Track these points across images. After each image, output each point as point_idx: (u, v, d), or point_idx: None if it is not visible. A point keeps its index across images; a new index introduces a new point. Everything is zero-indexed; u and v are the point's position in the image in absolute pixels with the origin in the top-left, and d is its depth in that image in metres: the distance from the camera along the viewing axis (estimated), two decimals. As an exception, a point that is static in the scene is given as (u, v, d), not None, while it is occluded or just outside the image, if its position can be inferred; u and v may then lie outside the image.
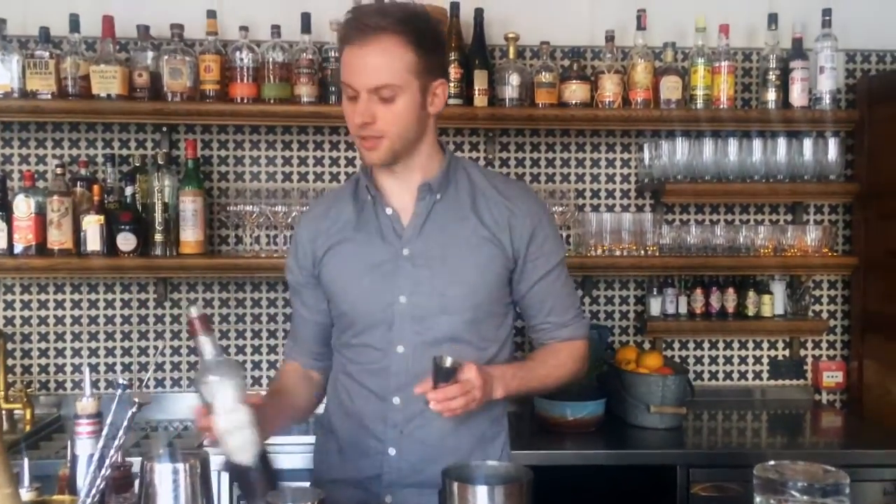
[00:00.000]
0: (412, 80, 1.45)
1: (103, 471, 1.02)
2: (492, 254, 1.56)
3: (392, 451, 1.57)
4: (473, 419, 1.56)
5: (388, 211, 1.57)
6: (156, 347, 2.80)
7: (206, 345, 1.23)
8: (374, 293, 1.55)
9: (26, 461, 1.10)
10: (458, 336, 1.55)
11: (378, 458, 1.58)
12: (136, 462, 1.09)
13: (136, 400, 1.06)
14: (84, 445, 1.07)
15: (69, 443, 1.09)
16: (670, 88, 2.70)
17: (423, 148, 1.55)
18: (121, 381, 1.08)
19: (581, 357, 1.68)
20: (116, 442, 1.05)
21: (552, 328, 1.65)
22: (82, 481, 1.05)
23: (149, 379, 1.36)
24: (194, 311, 1.24)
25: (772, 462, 1.04)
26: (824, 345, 2.98)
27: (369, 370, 1.58)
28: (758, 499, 1.02)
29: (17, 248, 2.51)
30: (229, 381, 1.23)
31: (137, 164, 2.69)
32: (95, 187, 2.56)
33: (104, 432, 1.07)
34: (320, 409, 1.77)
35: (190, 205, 2.59)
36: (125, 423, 1.05)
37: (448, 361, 1.39)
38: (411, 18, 1.46)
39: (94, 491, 1.01)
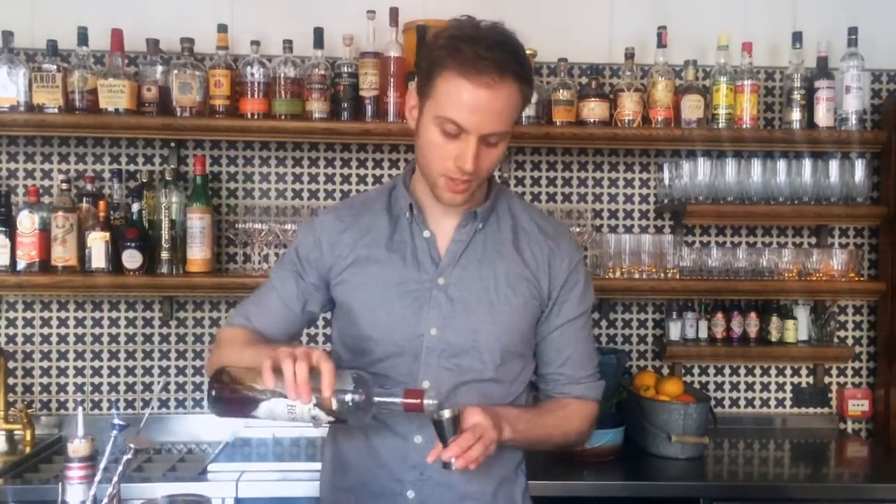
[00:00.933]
0: (512, 124, 1.39)
1: (95, 521, 0.95)
2: (529, 294, 1.49)
3: (411, 495, 1.46)
4: (495, 461, 1.46)
5: (426, 234, 1.48)
6: (160, 368, 2.73)
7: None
8: (404, 321, 1.45)
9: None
10: (486, 375, 1.47)
11: (395, 500, 1.47)
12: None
13: (132, 446, 0.98)
14: (75, 492, 0.99)
15: (60, 487, 1.01)
16: (692, 107, 2.62)
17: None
18: (116, 421, 1.00)
19: (590, 419, 1.58)
20: (110, 490, 0.97)
21: (564, 381, 1.55)
22: (73, 530, 0.97)
23: (146, 418, 1.27)
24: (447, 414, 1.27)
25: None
26: (849, 372, 2.88)
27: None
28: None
29: (21, 265, 2.45)
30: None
31: (144, 180, 2.62)
32: (101, 203, 2.49)
33: (97, 478, 0.99)
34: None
35: (197, 222, 2.52)
36: (120, 469, 0.97)
37: (447, 413, 1.29)
38: (523, 56, 1.36)
39: (85, 543, 0.93)
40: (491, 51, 1.30)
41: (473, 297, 1.45)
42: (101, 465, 1.00)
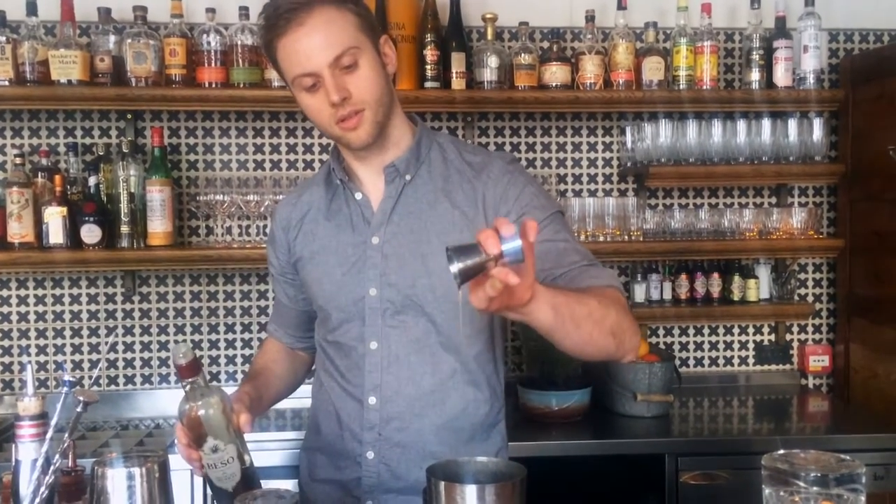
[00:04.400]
0: (364, 39, 1.35)
1: (48, 477, 0.93)
2: (463, 238, 1.37)
3: (370, 455, 1.46)
4: (461, 418, 1.46)
5: (358, 196, 1.47)
6: (125, 344, 2.70)
7: (191, 388, 1.19)
8: (346, 286, 1.46)
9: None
10: (430, 334, 1.44)
11: (357, 460, 1.48)
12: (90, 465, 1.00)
13: (82, 399, 0.97)
14: (27, 450, 0.97)
15: (13, 447, 0.99)
16: (652, 69, 2.63)
17: (395, 120, 1.45)
18: (66, 377, 0.99)
19: (625, 308, 1.30)
20: (63, 445, 0.95)
21: (581, 270, 1.33)
22: (26, 489, 0.96)
23: (99, 377, 1.26)
24: (182, 359, 1.17)
25: (781, 451, 0.97)
26: (810, 329, 2.94)
27: (345, 368, 1.49)
28: (767, 491, 0.95)
29: (-24, 243, 2.40)
30: (214, 414, 1.18)
31: (101, 153, 2.57)
32: (57, 178, 2.44)
33: (48, 434, 0.98)
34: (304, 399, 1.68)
35: (157, 195, 2.48)
36: (70, 424, 0.96)
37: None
38: None
39: (37, 500, 0.92)
40: (291, 2, 1.34)
41: (406, 252, 1.43)
42: (53, 422, 0.99)
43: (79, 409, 0.97)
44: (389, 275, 1.43)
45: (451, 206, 1.44)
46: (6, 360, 2.66)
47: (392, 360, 1.43)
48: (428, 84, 2.56)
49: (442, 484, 1.02)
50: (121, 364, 2.70)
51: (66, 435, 0.97)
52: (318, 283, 1.49)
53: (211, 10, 2.49)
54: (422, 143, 1.48)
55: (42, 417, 0.99)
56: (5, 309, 2.65)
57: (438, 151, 1.49)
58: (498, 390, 1.55)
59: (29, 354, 2.66)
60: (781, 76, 2.68)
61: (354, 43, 1.33)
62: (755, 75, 2.69)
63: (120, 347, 2.70)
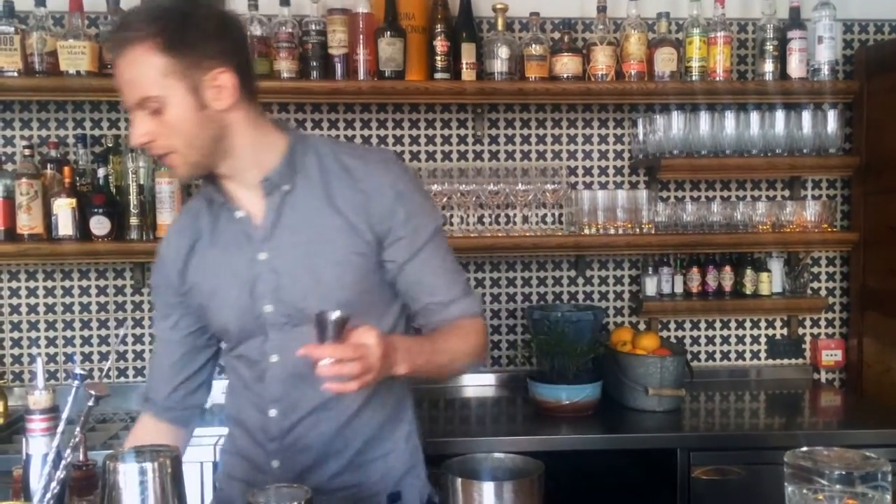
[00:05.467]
0: (173, 83, 1.28)
1: (59, 472, 0.92)
2: (350, 245, 1.40)
3: (275, 464, 1.47)
4: (363, 417, 1.45)
5: (239, 214, 1.43)
6: (134, 336, 2.70)
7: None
8: (242, 305, 1.43)
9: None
10: None
11: (264, 469, 1.48)
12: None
13: (93, 392, 0.95)
14: (38, 444, 0.96)
15: (23, 441, 0.98)
16: (665, 60, 2.60)
17: (242, 144, 1.37)
18: (77, 370, 0.97)
19: (482, 332, 1.48)
20: (74, 440, 0.94)
21: (439, 308, 1.46)
22: (37, 483, 0.95)
23: (109, 369, 1.25)
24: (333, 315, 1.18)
25: (804, 448, 0.95)
26: (823, 323, 2.91)
27: (249, 379, 1.48)
28: (789, 489, 0.93)
29: (-15, 235, 2.39)
30: None
31: (110, 145, 2.56)
32: (66, 169, 2.44)
33: (59, 428, 0.96)
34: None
35: (166, 186, 2.47)
36: (82, 418, 0.95)
37: (333, 314, 1.18)
38: (157, 18, 1.29)
39: (48, 495, 0.91)
40: (120, 23, 1.31)
41: (295, 265, 1.40)
42: (64, 415, 0.98)
43: (90, 404, 0.96)
44: (281, 290, 1.41)
45: (334, 212, 1.40)
46: (15, 351, 2.66)
47: (292, 371, 1.41)
48: (438, 75, 2.54)
49: (459, 481, 1.01)
50: (130, 356, 2.69)
51: (78, 429, 0.96)
52: (215, 308, 1.46)
53: (220, 1, 2.47)
54: (296, 151, 1.43)
55: (53, 411, 0.98)
56: (14, 300, 2.65)
57: (315, 157, 1.44)
58: (401, 382, 1.52)
59: (38, 346, 2.66)
60: (795, 67, 2.64)
61: (156, 92, 1.28)
62: (769, 66, 2.66)
63: (129, 339, 2.70)
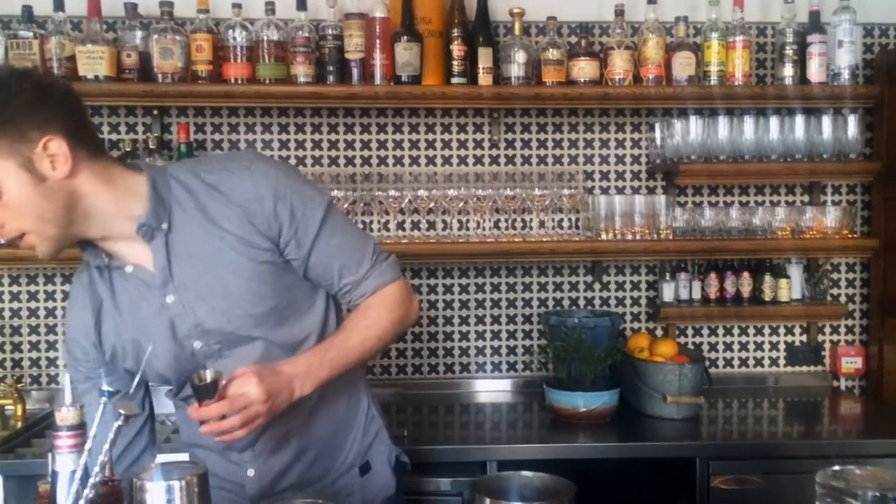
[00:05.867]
0: (2, 165, 1.23)
1: (87, 490, 0.92)
2: (250, 257, 1.39)
3: (251, 472, 1.50)
4: (321, 402, 1.50)
5: (129, 269, 1.40)
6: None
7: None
8: (170, 352, 1.42)
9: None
10: (270, 348, 1.43)
11: (242, 481, 1.51)
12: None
13: (122, 412, 0.95)
14: (65, 461, 0.96)
15: (49, 457, 0.98)
16: (683, 65, 2.58)
17: (99, 203, 1.33)
18: (104, 387, 0.97)
19: (397, 301, 1.51)
20: (101, 457, 0.94)
21: (353, 288, 1.48)
22: (63, 500, 0.94)
23: (136, 385, 1.25)
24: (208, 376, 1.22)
25: (835, 467, 0.93)
26: (843, 330, 2.88)
27: None
28: (821, 510, 0.91)
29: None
30: None
31: (128, 149, 2.57)
32: (84, 174, 2.44)
33: (87, 446, 0.96)
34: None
35: (183, 191, 2.47)
36: (110, 437, 0.94)
37: (208, 376, 1.23)
38: None
39: (76, 513, 0.91)
40: None
41: (204, 295, 1.38)
42: (91, 433, 0.97)
43: (119, 423, 0.95)
44: (202, 323, 1.40)
45: (222, 232, 1.38)
46: (34, 354, 2.67)
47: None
48: (454, 80, 2.53)
49: (487, 501, 0.99)
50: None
51: (105, 447, 0.95)
52: (147, 367, 1.41)
53: (237, 6, 2.48)
54: (158, 186, 1.38)
55: (80, 427, 0.97)
56: (33, 304, 2.66)
57: (179, 186, 1.40)
58: (357, 373, 1.60)
59: (56, 350, 2.67)
60: (815, 72, 2.62)
61: None
62: (788, 71, 2.63)
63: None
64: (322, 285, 1.50)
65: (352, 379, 1.57)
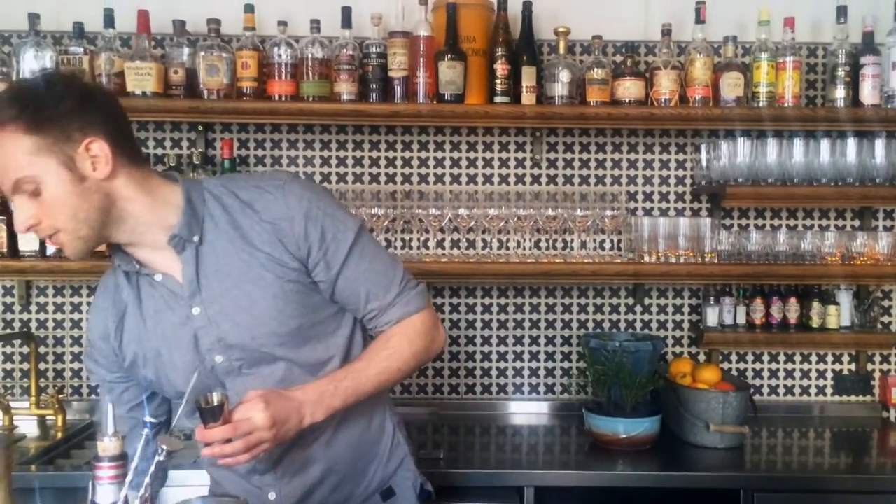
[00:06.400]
0: (44, 160, 1.27)
1: (127, 523, 0.92)
2: (279, 275, 1.40)
3: (272, 496, 1.50)
4: (343, 427, 1.48)
5: (158, 278, 1.42)
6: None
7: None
8: (191, 366, 1.41)
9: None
10: (292, 369, 1.43)
11: (260, 499, 1.51)
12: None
13: (165, 447, 0.94)
14: (105, 492, 0.95)
15: (89, 487, 0.98)
16: (731, 85, 2.53)
17: (134, 209, 1.36)
18: (147, 418, 0.96)
19: (421, 332, 1.50)
20: (142, 492, 0.93)
21: (379, 314, 1.49)
22: (104, 531, 0.94)
23: (180, 414, 1.26)
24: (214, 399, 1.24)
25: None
26: (893, 359, 2.79)
27: None
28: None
29: (50, 250, 2.44)
30: None
31: (172, 164, 2.60)
32: (129, 188, 2.47)
33: (128, 479, 0.95)
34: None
35: (226, 206, 2.48)
36: (151, 470, 0.94)
37: (215, 399, 1.24)
38: (16, 98, 1.28)
39: (116, 545, 0.90)
40: None
41: (230, 310, 1.39)
42: (133, 465, 0.97)
43: (160, 458, 0.95)
44: (225, 338, 1.40)
45: (253, 249, 1.40)
46: (75, 366, 2.70)
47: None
48: (498, 98, 2.51)
49: None
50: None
51: (147, 480, 0.95)
52: (164, 374, 1.45)
53: (283, 23, 2.49)
54: (192, 199, 1.40)
55: (121, 458, 0.97)
56: (76, 315, 2.70)
57: (213, 200, 1.42)
58: (381, 397, 1.58)
59: (97, 361, 2.70)
60: (868, 94, 2.55)
61: (28, 172, 1.26)
62: (840, 93, 2.57)
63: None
64: (348, 309, 1.50)
65: (376, 403, 1.56)
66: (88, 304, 2.69)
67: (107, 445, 0.97)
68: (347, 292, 1.46)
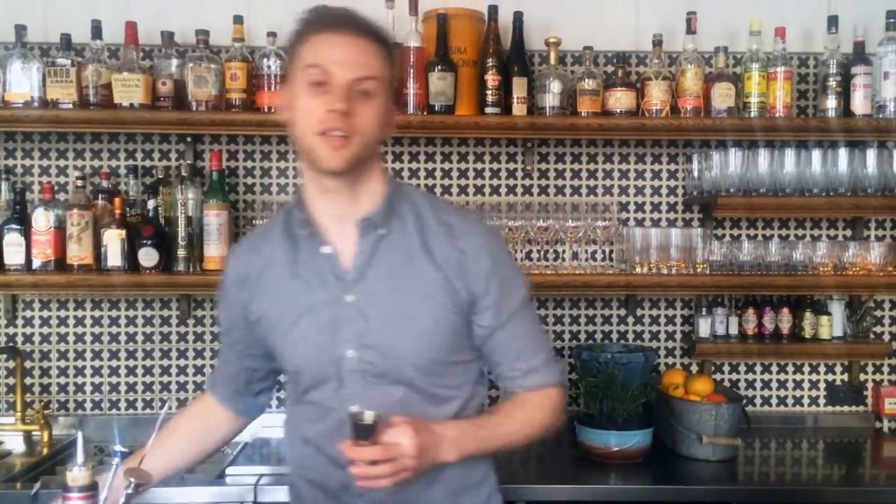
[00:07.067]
0: (386, 84, 1.37)
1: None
2: (447, 301, 1.39)
3: None
4: (447, 470, 1.41)
5: (326, 250, 1.40)
6: (178, 367, 2.69)
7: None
8: (320, 347, 1.39)
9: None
10: (411, 395, 1.39)
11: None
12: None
13: (133, 480, 0.92)
14: (75, 522, 0.94)
15: (61, 514, 0.96)
16: (722, 96, 2.53)
17: (373, 172, 1.42)
18: (117, 447, 0.94)
19: (554, 408, 1.50)
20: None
21: (520, 376, 1.47)
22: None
23: (151, 400, 1.24)
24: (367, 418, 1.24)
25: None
26: (886, 369, 2.78)
27: (323, 434, 1.42)
28: None
29: (36, 264, 2.41)
30: None
31: (161, 176, 2.58)
32: (117, 200, 2.45)
33: (99, 510, 0.93)
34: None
35: (214, 218, 2.46)
36: (121, 501, 0.91)
37: (369, 417, 1.23)
38: (386, 35, 1.40)
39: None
40: (339, 16, 1.36)
41: (388, 312, 1.37)
42: (103, 496, 0.94)
43: (128, 491, 0.92)
44: (368, 336, 1.37)
45: (433, 265, 1.39)
46: (62, 380, 2.67)
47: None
48: (488, 109, 2.50)
49: None
50: (174, 387, 2.69)
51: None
52: (290, 345, 1.42)
53: (272, 34, 2.47)
54: (394, 197, 1.43)
55: (91, 489, 0.94)
56: (62, 330, 2.67)
57: (410, 207, 1.44)
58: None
59: (83, 376, 2.67)
60: (860, 104, 2.55)
61: (380, 74, 1.34)
62: (831, 102, 2.57)
63: (173, 371, 2.69)
64: (491, 361, 1.49)
65: (487, 458, 1.53)
66: (75, 317, 2.67)
67: (76, 475, 0.94)
68: (502, 345, 1.46)
